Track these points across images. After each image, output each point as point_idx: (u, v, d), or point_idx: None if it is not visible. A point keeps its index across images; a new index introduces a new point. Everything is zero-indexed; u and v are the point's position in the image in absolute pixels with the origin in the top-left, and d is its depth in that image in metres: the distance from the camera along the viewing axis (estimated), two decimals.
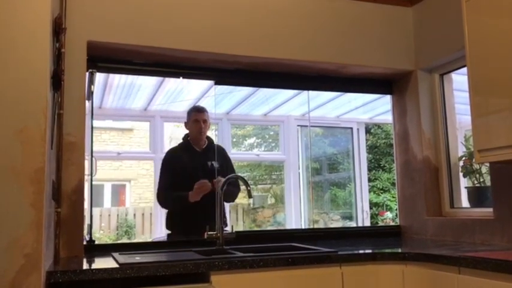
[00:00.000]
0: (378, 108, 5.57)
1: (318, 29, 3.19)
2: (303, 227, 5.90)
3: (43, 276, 1.85)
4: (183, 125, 3.57)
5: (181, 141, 3.53)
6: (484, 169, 3.11)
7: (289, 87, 3.90)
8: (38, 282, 1.80)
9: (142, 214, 8.41)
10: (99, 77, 3.93)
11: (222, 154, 3.51)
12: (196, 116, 3.41)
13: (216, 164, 3.35)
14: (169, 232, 3.38)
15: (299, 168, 6.24)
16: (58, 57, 2.29)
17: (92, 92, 2.98)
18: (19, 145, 1.84)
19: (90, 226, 2.89)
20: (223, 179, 2.96)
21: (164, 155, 3.54)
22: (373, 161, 8.44)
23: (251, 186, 2.75)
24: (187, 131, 3.48)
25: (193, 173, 3.26)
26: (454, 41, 2.98)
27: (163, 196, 3.34)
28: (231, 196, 3.44)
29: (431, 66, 3.35)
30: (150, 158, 6.28)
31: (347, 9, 3.29)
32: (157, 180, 3.43)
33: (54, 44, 2.18)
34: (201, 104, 4.85)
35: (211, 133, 7.71)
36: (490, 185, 2.80)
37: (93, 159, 2.95)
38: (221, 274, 2.17)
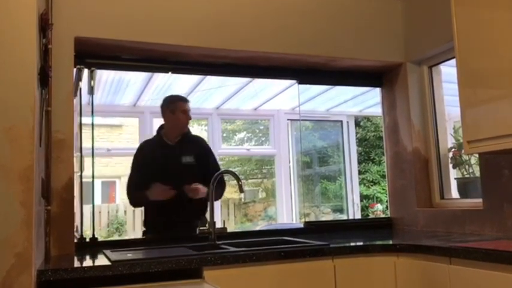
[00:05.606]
0: (367, 101, 5.59)
1: (307, 23, 3.17)
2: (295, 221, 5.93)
3: (34, 275, 1.84)
4: None
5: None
6: (473, 160, 3.13)
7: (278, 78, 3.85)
8: (29, 281, 1.78)
9: (133, 210, 8.35)
10: (87, 73, 3.88)
11: (200, 147, 3.24)
12: (185, 106, 3.15)
13: (190, 159, 3.13)
14: (145, 230, 3.19)
15: (290, 162, 6.26)
16: (45, 54, 2.27)
17: (80, 89, 2.95)
18: (7, 143, 1.82)
19: (81, 224, 2.88)
20: (201, 187, 2.94)
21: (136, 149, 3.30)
22: (362, 153, 8.48)
23: (242, 180, 2.74)
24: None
25: (165, 170, 3.07)
26: (442, 32, 2.99)
27: (131, 195, 3.19)
28: (217, 197, 3.11)
29: (420, 58, 3.36)
30: None
31: (336, 2, 3.28)
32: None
33: (41, 40, 2.15)
34: (190, 99, 4.81)
35: (200, 128, 7.70)
36: (479, 175, 2.82)
37: (82, 156, 2.92)
38: (214, 269, 2.17)
